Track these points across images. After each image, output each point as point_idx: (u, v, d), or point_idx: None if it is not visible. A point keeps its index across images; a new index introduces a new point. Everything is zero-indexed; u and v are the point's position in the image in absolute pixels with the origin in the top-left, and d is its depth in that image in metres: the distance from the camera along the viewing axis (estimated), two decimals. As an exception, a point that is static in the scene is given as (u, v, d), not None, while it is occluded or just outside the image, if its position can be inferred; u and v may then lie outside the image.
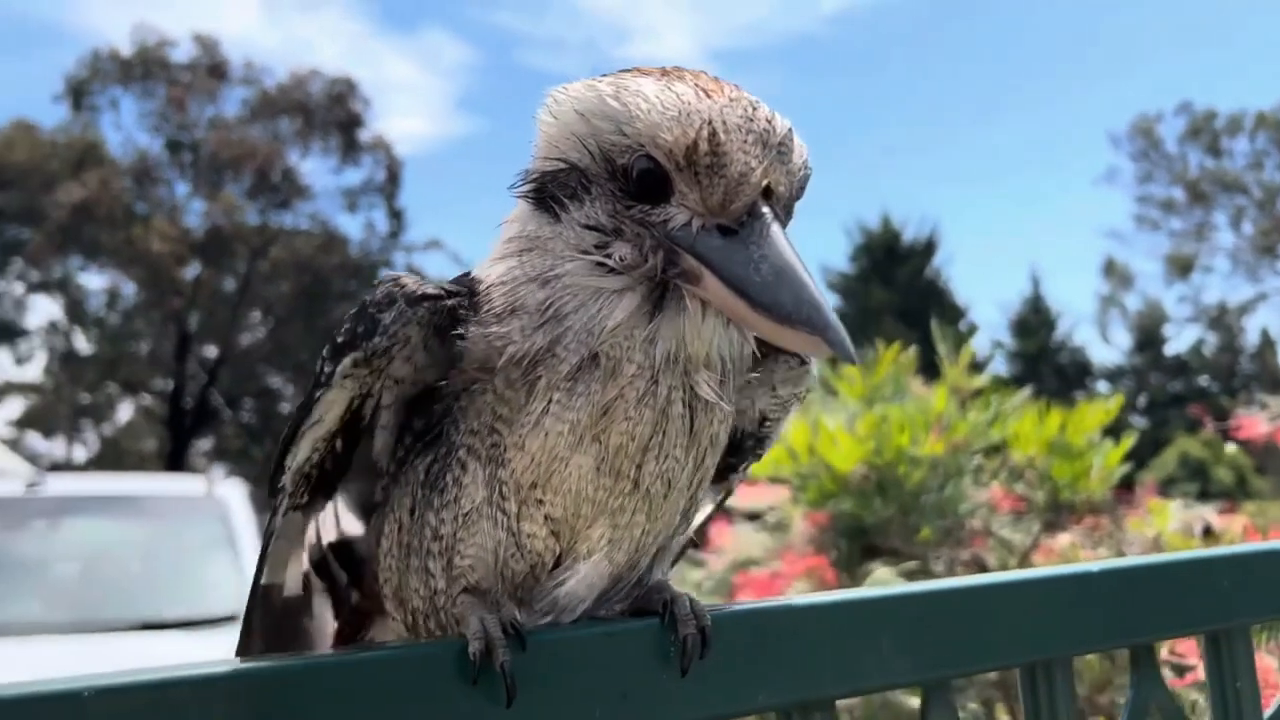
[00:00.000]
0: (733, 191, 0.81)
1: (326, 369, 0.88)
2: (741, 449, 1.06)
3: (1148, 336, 35.90)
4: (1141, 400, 35.26)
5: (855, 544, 3.85)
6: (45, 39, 47.43)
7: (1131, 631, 1.18)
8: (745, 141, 0.81)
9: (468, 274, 0.93)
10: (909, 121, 56.71)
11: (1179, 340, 38.60)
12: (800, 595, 1.01)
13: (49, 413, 31.43)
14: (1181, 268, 32.99)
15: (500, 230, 0.94)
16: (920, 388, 4.10)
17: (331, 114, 29.87)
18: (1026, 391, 4.14)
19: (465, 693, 0.80)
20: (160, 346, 29.97)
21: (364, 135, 30.51)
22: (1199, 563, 1.27)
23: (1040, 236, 53.80)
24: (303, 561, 1.05)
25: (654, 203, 0.84)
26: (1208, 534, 4.23)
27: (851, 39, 57.25)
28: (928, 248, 34.33)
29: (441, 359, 0.89)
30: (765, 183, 0.82)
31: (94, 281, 30.31)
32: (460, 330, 0.87)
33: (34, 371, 31.15)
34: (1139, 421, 33.63)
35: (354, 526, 1.04)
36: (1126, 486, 4.71)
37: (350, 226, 33.30)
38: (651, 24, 56.81)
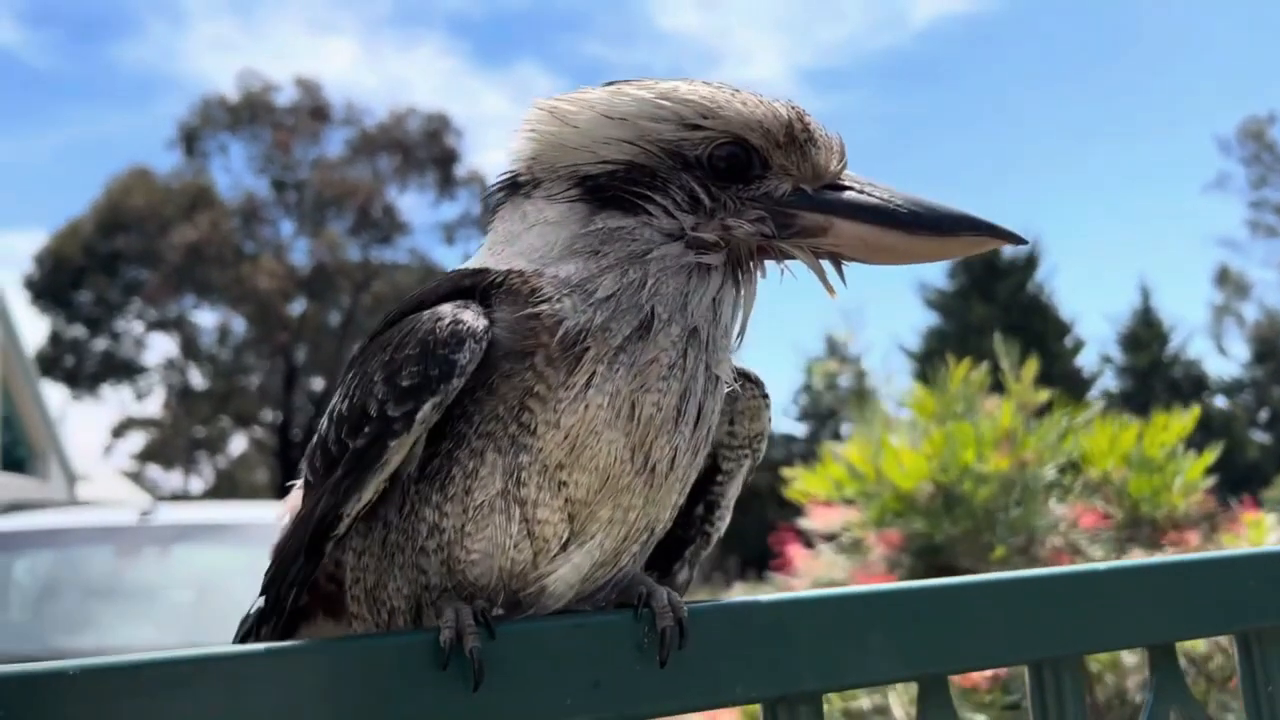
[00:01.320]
0: (829, 157, 0.95)
1: (396, 413, 0.88)
2: (689, 518, 1.06)
3: (1267, 347, 34.29)
4: (1263, 415, 33.68)
5: (926, 563, 3.79)
6: (158, 89, 50.03)
7: (1147, 631, 1.16)
8: (816, 120, 0.96)
9: (476, 270, 0.95)
10: (1006, 134, 55.59)
11: (1302, 351, 36.72)
12: (780, 593, 1.02)
13: (167, 446, 32.85)
14: (1301, 274, 31.48)
15: (505, 228, 0.98)
16: (992, 405, 4.02)
17: (428, 150, 30.75)
18: (1100, 404, 4.02)
19: (435, 678, 0.83)
20: (269, 380, 31.10)
21: (459, 170, 31.31)
22: (1223, 562, 1.24)
23: (1149, 247, 52.04)
24: None
25: (746, 181, 0.94)
26: (1312, 549, 4.05)
27: (943, 53, 56.46)
28: (1030, 261, 33.46)
29: None
30: (842, 149, 0.96)
31: (206, 319, 31.69)
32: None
33: (153, 407, 32.64)
34: (1260, 436, 32.14)
35: None
36: (1227, 500, 4.50)
37: (448, 259, 34.06)
38: (739, 47, 57.04)
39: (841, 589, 1.01)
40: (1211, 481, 3.77)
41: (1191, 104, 51.78)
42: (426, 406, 0.87)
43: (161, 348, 33.05)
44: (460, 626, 0.84)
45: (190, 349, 31.24)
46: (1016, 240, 0.90)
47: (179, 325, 31.39)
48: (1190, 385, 34.22)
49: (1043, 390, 3.84)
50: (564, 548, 0.91)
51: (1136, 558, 4.13)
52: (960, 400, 4.01)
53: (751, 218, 0.93)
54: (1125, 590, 1.15)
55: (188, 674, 0.79)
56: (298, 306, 30.43)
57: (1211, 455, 3.76)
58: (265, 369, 31.28)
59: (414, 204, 42.00)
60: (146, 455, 33.23)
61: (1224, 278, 33.77)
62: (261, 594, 1.02)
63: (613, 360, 0.88)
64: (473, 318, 0.88)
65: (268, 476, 31.79)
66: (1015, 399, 3.78)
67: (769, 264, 0.98)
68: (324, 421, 0.97)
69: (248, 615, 1.03)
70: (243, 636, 1.07)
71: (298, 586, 0.97)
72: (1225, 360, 36.06)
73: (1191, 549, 4.21)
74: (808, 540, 4.05)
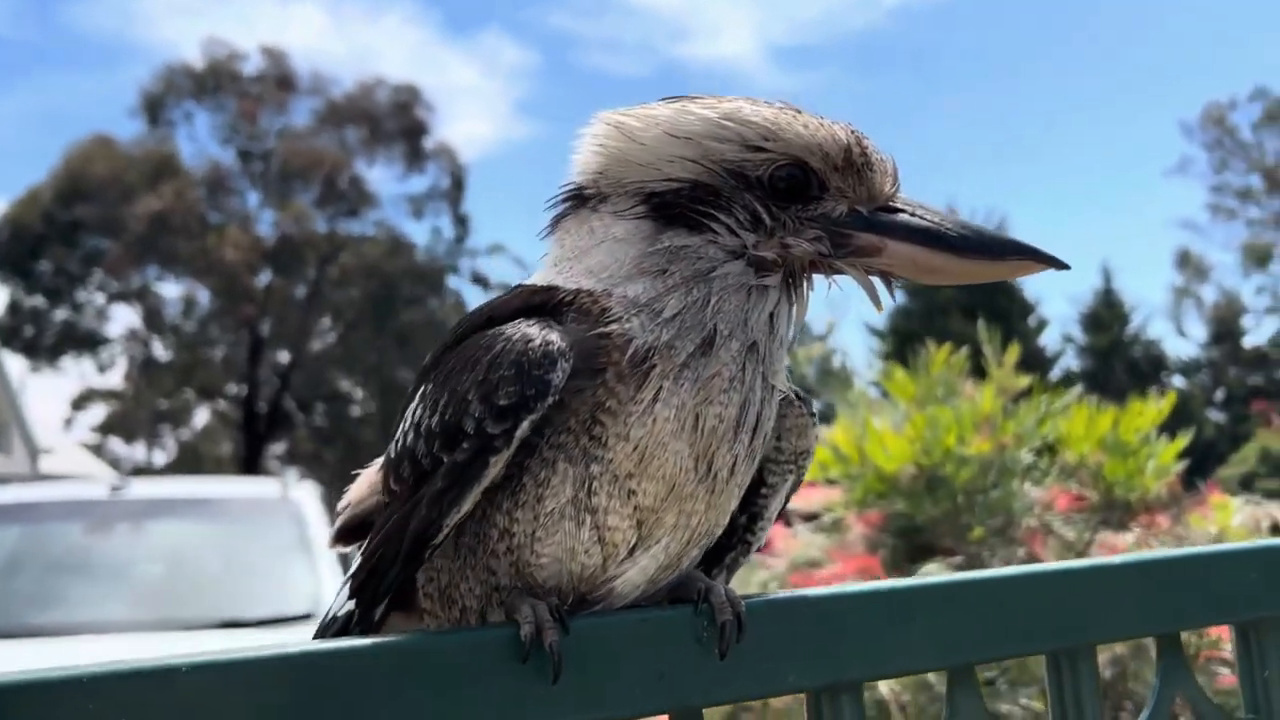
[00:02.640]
0: (884, 181, 0.99)
1: (496, 430, 0.92)
2: (733, 525, 1.09)
3: (1225, 329, 34.93)
4: (1219, 394, 34.32)
5: (907, 543, 3.87)
6: (121, 55, 49.06)
7: (1156, 621, 1.22)
8: (873, 144, 1.00)
9: (546, 287, 0.99)
10: (974, 115, 55.88)
11: (1257, 332, 37.45)
12: (827, 587, 1.08)
13: (129, 419, 32.47)
14: (1259, 258, 32.06)
15: (572, 243, 1.02)
16: (972, 389, 4.10)
17: (397, 122, 30.43)
18: (1077, 390, 4.12)
19: (515, 671, 0.88)
20: (234, 353, 30.81)
21: (428, 142, 31.06)
22: (1226, 555, 1.31)
23: (1112, 229, 52.72)
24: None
25: (805, 202, 0.98)
26: (1275, 531, 4.16)
27: (914, 33, 56.54)
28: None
29: None
30: (896, 172, 1.01)
31: (170, 290, 31.29)
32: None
33: (115, 379, 32.24)
34: (1217, 416, 32.76)
35: None
36: (1192, 483, 4.63)
37: (416, 233, 33.77)
38: (710, 22, 56.80)
39: (885, 583, 1.06)
40: (1182, 466, 3.88)
41: (1157, 89, 52.37)
42: (525, 424, 0.91)
43: (124, 319, 32.64)
44: (539, 622, 0.88)
45: (153, 320, 30.83)
46: (1060, 265, 0.95)
47: (142, 296, 30.95)
48: (1149, 365, 34.79)
49: (1023, 376, 3.92)
50: (631, 553, 0.96)
51: (1109, 540, 4.24)
52: (940, 384, 4.09)
53: (809, 237, 0.98)
54: (1135, 582, 1.22)
55: (268, 673, 0.83)
56: (263, 278, 30.11)
57: (1184, 440, 3.87)
58: (230, 341, 30.96)
59: (382, 176, 41.50)
60: (108, 428, 32.82)
61: (1184, 260, 34.30)
62: (351, 597, 1.05)
63: (678, 375, 0.92)
64: (559, 338, 0.92)
65: (231, 450, 31.53)
66: (996, 383, 3.86)
67: (818, 277, 1.02)
68: (408, 433, 1.00)
69: (334, 617, 1.06)
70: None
71: (394, 591, 1.01)
72: (1184, 341, 36.66)
73: (1161, 531, 4.33)
74: (786, 520, 4.12)
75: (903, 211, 0.99)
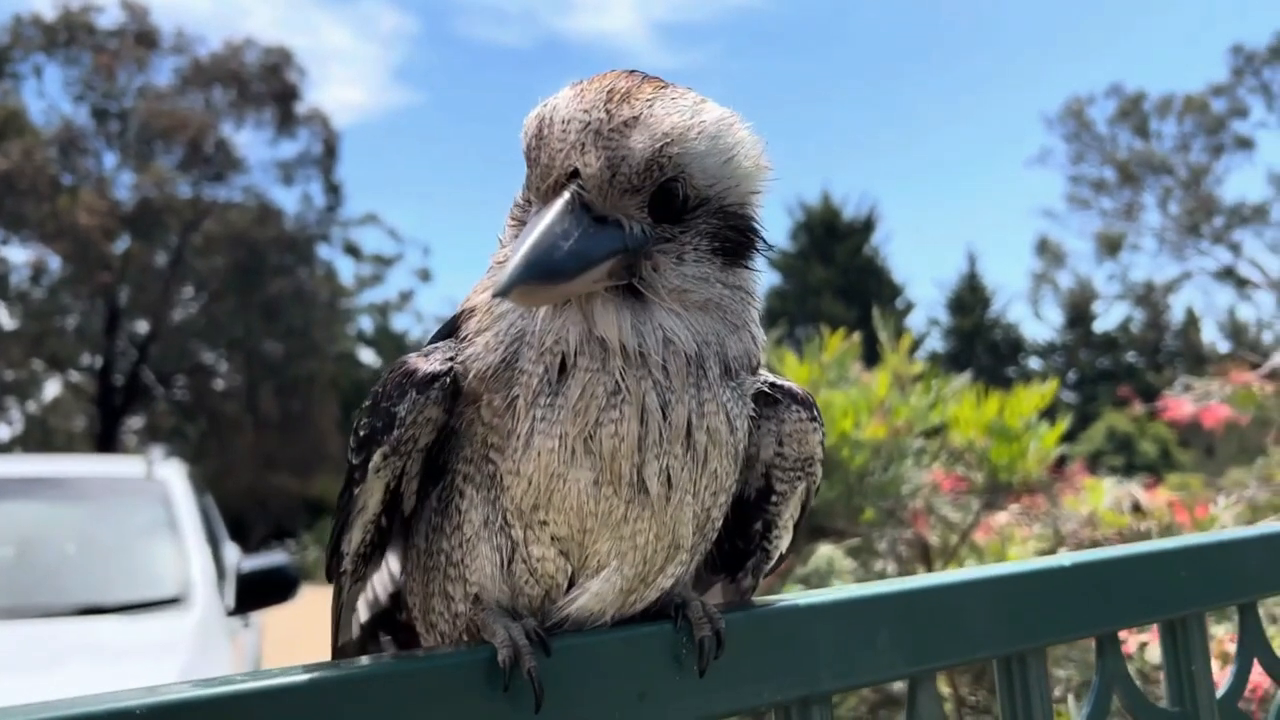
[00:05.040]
0: (544, 176, 0.87)
1: (355, 461, 0.90)
2: (748, 533, 1.05)
3: (1078, 313, 36.74)
4: (1071, 376, 36.11)
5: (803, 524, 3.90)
6: (-38, 2, 45.74)
7: (1098, 621, 1.24)
8: (566, 129, 0.85)
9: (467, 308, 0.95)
10: (849, 99, 57.12)
11: (1108, 317, 39.61)
12: (800, 594, 1.04)
13: (-28, 390, 30.53)
14: (1111, 246, 33.77)
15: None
16: (863, 372, 4.17)
17: (267, 85, 29.25)
18: (966, 376, 4.23)
19: (491, 697, 0.83)
20: (89, 322, 29.24)
21: (300, 107, 29.96)
22: (1160, 555, 1.34)
23: (977, 216, 54.72)
24: (360, 614, 1.10)
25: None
26: (1136, 510, 4.39)
27: (793, 15, 57.37)
28: (867, 226, 34.71)
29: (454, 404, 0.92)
30: (570, 166, 0.85)
31: (17, 255, 29.46)
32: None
33: (-45, 347, 30.21)
34: (1069, 397, 34.45)
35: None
36: (1059, 462, 4.84)
37: (286, 200, 32.70)
38: (593, -4, 56.38)
39: (851, 590, 1.03)
40: (1062, 450, 4.04)
41: (1025, 82, 54.41)
42: (376, 456, 0.89)
43: (-35, 284, 30.55)
44: (517, 646, 0.84)
45: (-1, 286, 29.03)
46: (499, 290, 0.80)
47: (-14, 261, 29.08)
48: (1008, 347, 36.37)
49: (916, 363, 4.00)
50: (572, 582, 0.91)
51: (992, 519, 4.39)
52: (833, 368, 4.14)
53: None
54: (1082, 583, 1.24)
55: (213, 711, 0.75)
56: (121, 244, 28.59)
57: (1063, 425, 4.02)
58: (84, 310, 29.36)
59: (250, 141, 40.08)
60: (-53, 399, 30.85)
61: (1043, 247, 35.86)
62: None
63: (550, 404, 0.86)
64: (427, 365, 0.89)
65: (85, 424, 30.04)
66: (890, 369, 3.93)
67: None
68: None
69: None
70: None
71: (340, 610, 1.01)
72: (1041, 325, 38.34)
73: (1040, 511, 4.51)
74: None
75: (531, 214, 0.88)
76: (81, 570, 4.96)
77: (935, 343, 35.83)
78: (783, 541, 1.07)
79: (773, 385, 1.00)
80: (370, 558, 1.00)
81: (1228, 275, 32.27)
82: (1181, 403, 5.50)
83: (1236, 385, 5.29)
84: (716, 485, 0.93)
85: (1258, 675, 1.42)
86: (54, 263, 28.77)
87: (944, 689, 3.76)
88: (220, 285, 29.44)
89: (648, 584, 0.93)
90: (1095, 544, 3.84)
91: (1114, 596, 1.26)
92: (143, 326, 29.86)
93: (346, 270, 38.29)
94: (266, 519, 28.49)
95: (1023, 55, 56.49)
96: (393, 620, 1.12)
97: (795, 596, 1.02)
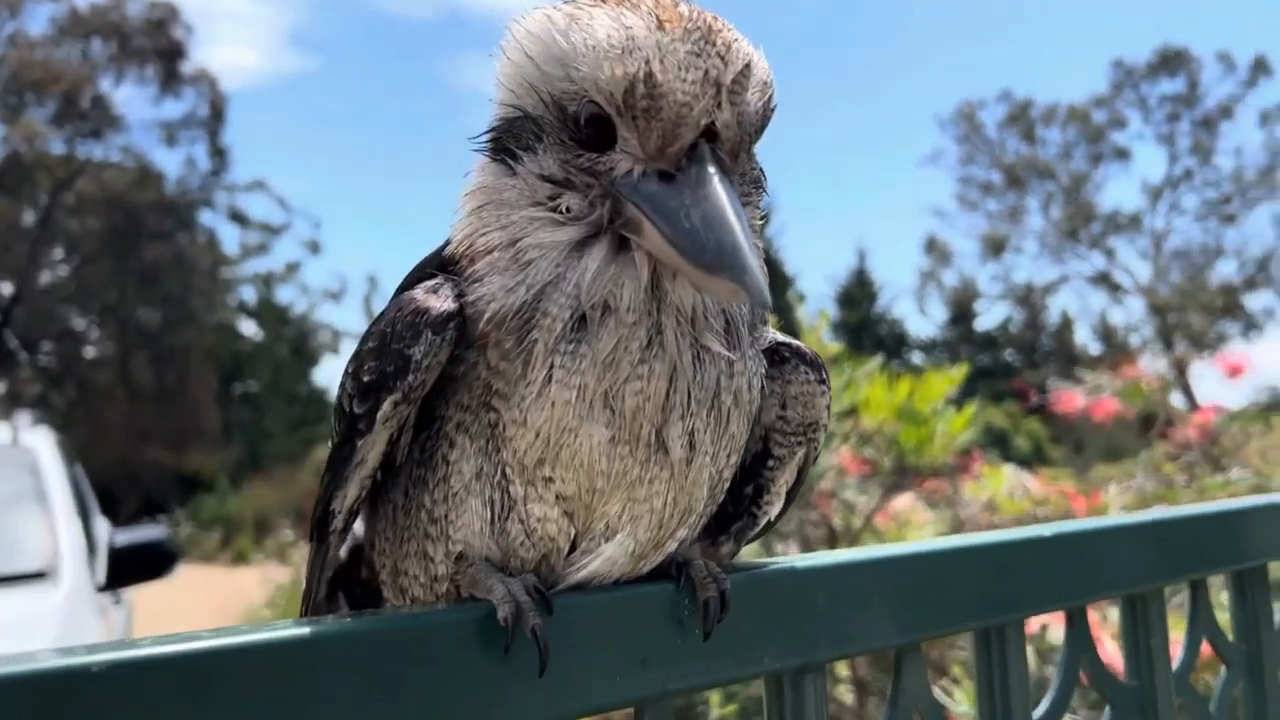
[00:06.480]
0: (670, 135, 0.76)
1: (359, 410, 0.81)
2: (739, 496, 0.99)
3: (961, 311, 37.97)
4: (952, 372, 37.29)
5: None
6: None
7: (1069, 594, 1.22)
8: (685, 80, 0.75)
9: (446, 244, 0.86)
10: (747, 91, 57.60)
11: (989, 316, 40.99)
12: (797, 556, 0.99)
13: None
14: (995, 247, 34.91)
15: (473, 178, 0.87)
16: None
17: (151, 40, 27.97)
18: (878, 360, 4.26)
19: (488, 659, 0.75)
20: (-53, 281, 27.60)
21: (186, 66, 28.74)
22: (1124, 529, 1.32)
23: (869, 213, 56.03)
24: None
25: (601, 150, 0.79)
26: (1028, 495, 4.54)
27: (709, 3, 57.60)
28: (762, 217, 35.11)
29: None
30: (705, 123, 0.76)
31: None
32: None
33: None
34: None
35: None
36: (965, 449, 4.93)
37: (168, 162, 31.45)
38: (495, -29, 55.63)
39: (845, 553, 0.98)
40: (970, 435, 4.11)
41: (920, 83, 55.84)
42: (386, 405, 0.80)
43: None
44: (519, 603, 0.76)
45: None
46: (764, 306, 0.73)
47: None
48: (893, 342, 37.36)
49: (831, 345, 4.01)
50: (574, 546, 0.84)
51: (895, 503, 4.43)
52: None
53: (594, 196, 0.80)
54: (1057, 555, 1.22)
55: (178, 668, 0.65)
56: (-14, 201, 27.04)
57: (970, 411, 4.08)
58: (-58, 268, 27.72)
59: (131, 98, 38.31)
60: None
61: (931, 246, 36.87)
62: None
63: (574, 352, 0.78)
64: (439, 303, 0.80)
65: (-59, 388, 28.41)
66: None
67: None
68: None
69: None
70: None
71: (321, 571, 0.92)
72: (925, 321, 39.50)
73: (943, 495, 4.58)
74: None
75: (685, 181, 0.76)
76: None
77: (826, 336, 36.59)
78: (773, 508, 1.00)
79: (780, 343, 0.94)
80: (358, 514, 0.92)
81: (1102, 280, 33.71)
82: (1074, 396, 5.67)
83: (1126, 380, 5.47)
84: (732, 447, 0.87)
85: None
86: (-90, 217, 27.05)
87: (842, 671, 3.78)
88: (94, 248, 28.12)
89: (659, 548, 0.86)
90: (994, 529, 3.91)
91: (1083, 570, 1.25)
92: (6, 288, 28.31)
93: (230, 239, 37.08)
94: (138, 492, 27.34)
95: (921, 55, 58.04)
96: (349, 578, 1.02)
97: (792, 559, 0.96)
